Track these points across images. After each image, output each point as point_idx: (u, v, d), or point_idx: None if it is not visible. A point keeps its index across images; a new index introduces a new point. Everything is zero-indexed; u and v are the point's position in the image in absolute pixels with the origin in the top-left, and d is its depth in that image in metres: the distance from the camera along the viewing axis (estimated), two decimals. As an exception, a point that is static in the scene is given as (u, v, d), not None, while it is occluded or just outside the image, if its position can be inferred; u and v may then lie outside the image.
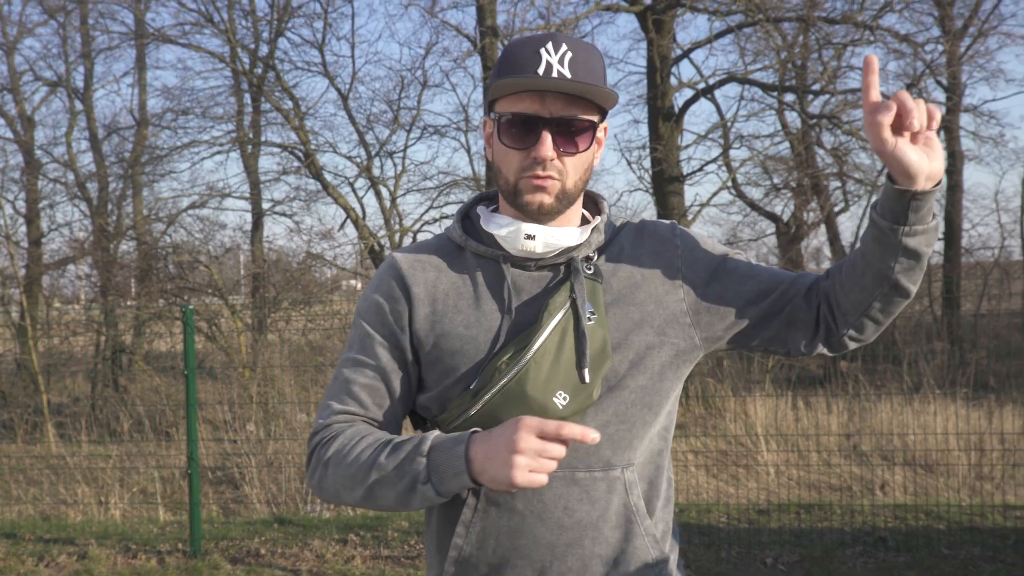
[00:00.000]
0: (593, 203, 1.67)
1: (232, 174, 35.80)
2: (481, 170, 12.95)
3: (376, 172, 10.99)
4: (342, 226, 10.66)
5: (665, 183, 11.16)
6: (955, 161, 14.74)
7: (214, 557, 5.50)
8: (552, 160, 1.47)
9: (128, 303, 12.13)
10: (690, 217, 11.54)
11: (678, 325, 1.55)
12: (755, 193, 14.73)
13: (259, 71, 12.05)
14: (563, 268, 1.53)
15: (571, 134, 1.48)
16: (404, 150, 11.20)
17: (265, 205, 14.06)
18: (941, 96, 13.93)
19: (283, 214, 14.04)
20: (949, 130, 14.38)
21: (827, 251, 16.04)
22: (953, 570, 4.96)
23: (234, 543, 5.77)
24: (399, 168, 11.13)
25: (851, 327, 1.53)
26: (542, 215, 1.51)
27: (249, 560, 5.48)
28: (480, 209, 1.63)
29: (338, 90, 11.49)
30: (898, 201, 1.36)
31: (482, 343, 1.49)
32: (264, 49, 12.09)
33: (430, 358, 1.54)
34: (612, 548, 1.50)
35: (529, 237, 1.51)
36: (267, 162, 31.84)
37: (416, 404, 1.58)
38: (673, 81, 11.71)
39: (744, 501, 6.42)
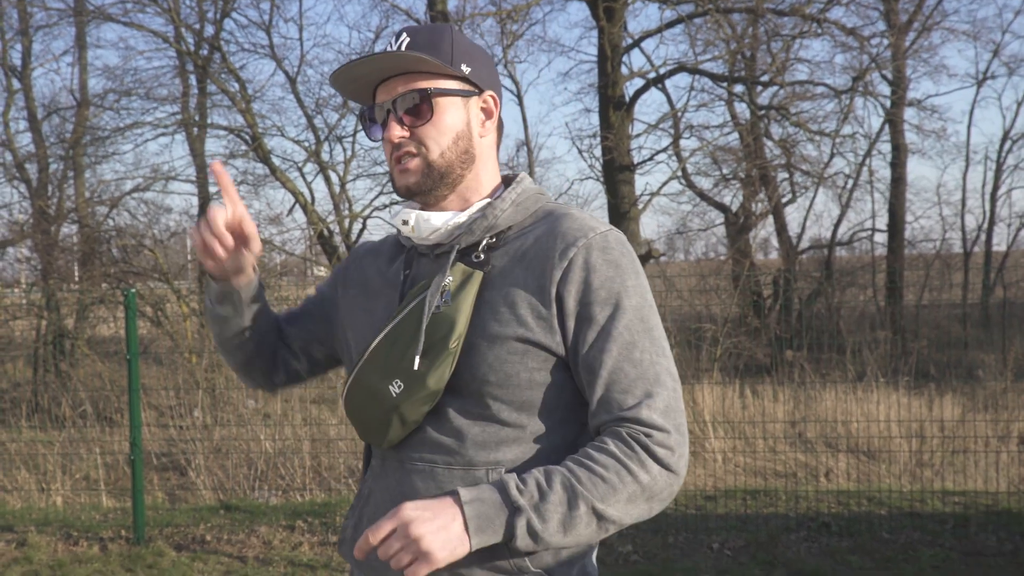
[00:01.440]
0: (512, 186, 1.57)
1: (177, 156, 35.13)
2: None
3: (325, 157, 10.88)
4: (291, 211, 10.55)
5: (616, 172, 11.22)
6: (899, 154, 15.04)
7: (158, 544, 5.42)
8: (404, 139, 1.48)
9: (71, 287, 11.86)
10: (640, 206, 11.61)
11: (547, 334, 1.41)
12: (705, 183, 14.89)
13: (204, 52, 11.83)
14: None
15: (412, 110, 1.48)
16: (354, 135, 11.04)
17: (212, 189, 13.83)
18: (886, 89, 14.21)
19: (230, 199, 13.83)
20: (894, 123, 14.67)
21: (775, 241, 16.29)
22: (894, 554, 5.09)
23: (179, 530, 5.69)
24: (348, 153, 10.99)
25: None
26: (418, 197, 1.50)
27: (194, 547, 5.41)
28: (410, 203, 1.62)
29: (286, 73, 11.35)
30: None
31: (369, 329, 1.54)
32: (210, 30, 11.87)
33: (340, 343, 1.66)
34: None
35: (404, 222, 1.51)
36: (213, 145, 31.34)
37: None
38: (624, 70, 11.77)
39: (692, 487, 6.50)
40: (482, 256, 1.47)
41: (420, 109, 1.48)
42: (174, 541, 5.51)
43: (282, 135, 10.88)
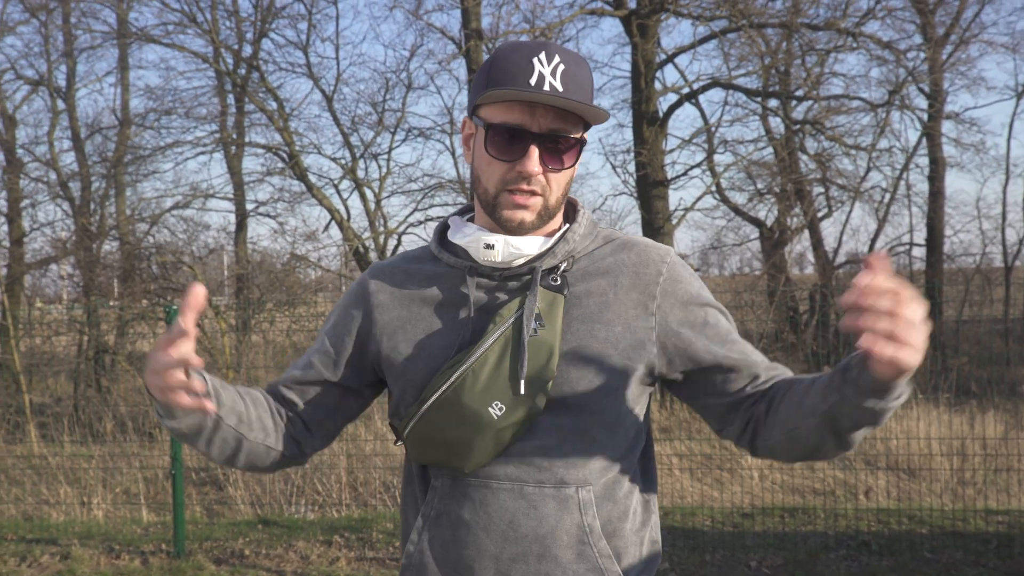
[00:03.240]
0: (573, 210, 1.62)
1: (216, 175, 35.74)
2: (466, 172, 12.95)
3: (361, 174, 10.98)
4: (327, 228, 10.65)
5: (649, 187, 11.20)
6: (937, 167, 14.87)
7: (198, 558, 5.48)
8: (537, 175, 1.45)
9: (111, 303, 12.05)
10: (674, 221, 11.58)
11: (644, 352, 1.49)
12: (739, 198, 14.81)
13: (243, 72, 12.02)
14: (526, 278, 1.51)
15: (559, 150, 1.46)
16: (389, 152, 11.19)
17: (249, 206, 14.02)
18: (923, 103, 14.07)
19: (267, 215, 14.01)
20: (931, 137, 14.52)
21: (810, 256, 16.15)
22: (936, 574, 5.01)
23: (218, 544, 5.75)
24: (384, 170, 11.06)
25: (771, 449, 1.48)
26: (521, 232, 1.49)
27: (233, 561, 5.46)
28: (454, 219, 1.62)
29: (322, 91, 11.48)
30: (877, 385, 1.24)
31: (437, 353, 1.50)
32: (248, 50, 12.06)
33: (388, 363, 1.57)
34: (561, 568, 1.46)
35: (488, 247, 1.49)
36: (251, 163, 31.77)
37: (390, 410, 1.61)
38: (657, 85, 11.76)
39: (728, 505, 6.45)
40: (558, 279, 1.50)
41: (564, 157, 1.48)
42: (213, 555, 5.57)
43: (319, 152, 11.07)
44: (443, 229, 1.64)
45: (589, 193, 46.52)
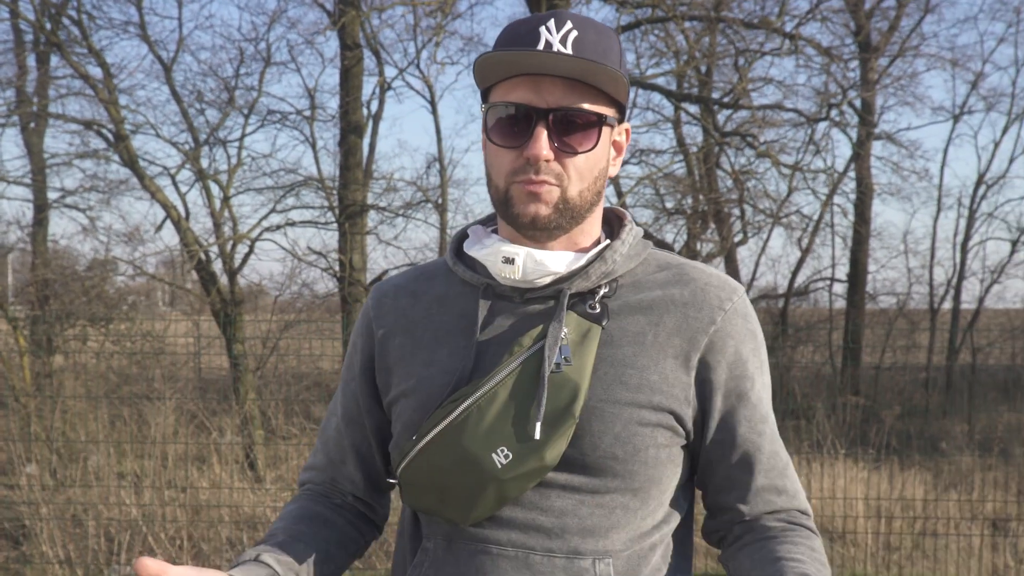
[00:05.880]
0: (620, 223, 1.60)
1: (10, 155, 33.90)
2: (329, 169, 12.92)
3: (205, 163, 10.88)
4: (159, 227, 10.48)
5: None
6: (865, 194, 15.43)
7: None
8: (548, 161, 1.42)
9: None
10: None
11: (680, 408, 1.48)
12: (645, 216, 15.26)
13: (50, 24, 11.52)
14: (554, 302, 1.49)
15: (572, 129, 1.43)
16: (241, 139, 11.00)
17: (52, 195, 13.58)
18: (853, 118, 14.75)
19: (75, 207, 13.61)
20: (860, 158, 15.02)
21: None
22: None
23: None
24: (234, 160, 10.95)
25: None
26: (538, 230, 1.47)
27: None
28: (475, 228, 1.62)
29: (159, 58, 11.23)
30: None
31: (438, 385, 1.49)
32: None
33: (391, 397, 1.59)
34: None
35: (507, 260, 1.47)
36: (55, 142, 30.36)
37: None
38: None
39: None
40: (597, 307, 1.48)
41: (585, 136, 1.45)
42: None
43: (157, 134, 10.81)
44: (461, 239, 1.63)
45: (476, 203, 45.04)
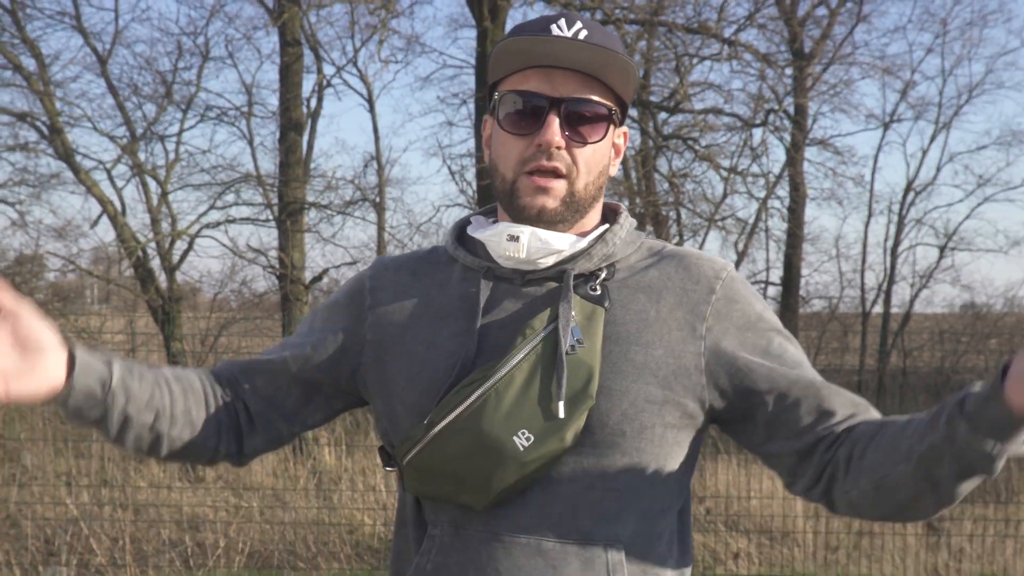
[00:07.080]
0: (615, 215, 1.64)
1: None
2: (267, 166, 12.80)
3: (143, 157, 10.74)
4: (95, 223, 10.31)
5: (492, 199, 11.45)
6: (798, 198, 15.74)
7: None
8: (560, 148, 1.47)
9: None
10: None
11: (689, 381, 1.49)
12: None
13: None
14: (552, 285, 1.52)
15: (583, 120, 1.49)
16: (179, 134, 10.87)
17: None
18: (787, 123, 15.05)
19: (4, 201, 13.31)
20: (793, 163, 15.34)
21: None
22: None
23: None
24: (172, 156, 10.82)
25: (852, 503, 1.48)
26: (543, 223, 1.50)
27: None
28: (477, 217, 1.66)
29: (94, 50, 11.07)
30: (1006, 421, 1.25)
31: (441, 368, 1.50)
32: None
33: (377, 379, 1.58)
34: None
35: (512, 238, 1.49)
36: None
37: (378, 432, 1.63)
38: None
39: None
40: (598, 289, 1.51)
41: (595, 128, 1.51)
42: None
43: (95, 128, 10.62)
44: (463, 225, 1.67)
45: (416, 202, 43.56)
